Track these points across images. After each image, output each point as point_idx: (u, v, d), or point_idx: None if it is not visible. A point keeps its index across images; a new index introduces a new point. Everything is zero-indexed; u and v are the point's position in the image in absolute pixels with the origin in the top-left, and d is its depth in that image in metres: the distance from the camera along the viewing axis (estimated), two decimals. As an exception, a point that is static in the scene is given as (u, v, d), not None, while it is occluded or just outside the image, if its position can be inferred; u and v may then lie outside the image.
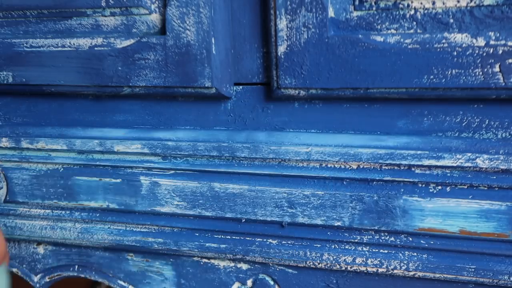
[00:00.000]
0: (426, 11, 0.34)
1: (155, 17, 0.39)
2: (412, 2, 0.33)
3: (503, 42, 0.31)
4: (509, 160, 0.35)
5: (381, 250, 0.40)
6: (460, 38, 0.32)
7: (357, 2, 0.34)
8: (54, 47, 0.40)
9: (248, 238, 0.42)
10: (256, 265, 0.44)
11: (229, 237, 0.43)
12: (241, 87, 0.41)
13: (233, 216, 0.42)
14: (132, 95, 0.42)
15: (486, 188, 0.36)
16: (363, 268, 0.40)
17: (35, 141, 0.45)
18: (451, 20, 0.33)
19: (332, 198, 0.39)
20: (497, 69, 0.32)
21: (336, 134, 0.39)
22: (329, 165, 0.39)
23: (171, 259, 0.46)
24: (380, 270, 0.40)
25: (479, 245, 0.37)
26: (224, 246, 0.43)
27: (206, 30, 0.36)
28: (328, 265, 0.41)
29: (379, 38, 0.34)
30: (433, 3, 0.33)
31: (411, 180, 0.37)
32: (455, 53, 0.32)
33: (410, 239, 0.39)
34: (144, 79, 0.39)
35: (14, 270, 0.52)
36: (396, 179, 0.37)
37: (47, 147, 0.45)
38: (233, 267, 0.45)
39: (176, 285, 0.47)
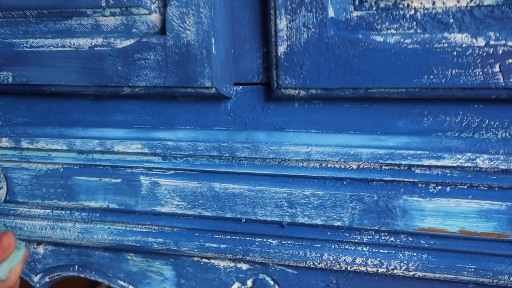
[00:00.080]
0: (426, 11, 0.34)
1: (155, 17, 0.39)
2: (412, 2, 0.33)
3: (503, 42, 0.31)
4: (509, 160, 0.35)
5: (381, 250, 0.40)
6: (460, 38, 0.32)
7: (357, 2, 0.34)
8: (54, 47, 0.40)
9: (248, 238, 0.42)
10: (256, 265, 0.44)
11: (229, 237, 0.43)
12: (241, 87, 0.41)
13: (233, 216, 0.42)
14: (132, 95, 0.42)
15: (486, 188, 0.36)
16: (363, 268, 0.40)
17: (35, 141, 0.45)
18: (451, 20, 0.33)
19: (332, 198, 0.39)
20: (497, 69, 0.32)
21: (336, 134, 0.39)
22: (329, 165, 0.39)
23: (171, 259, 0.46)
24: (380, 270, 0.40)
25: (479, 245, 0.37)
26: (224, 246, 0.43)
27: (206, 30, 0.36)
28: (328, 265, 0.41)
29: (379, 38, 0.34)
30: (433, 3, 0.33)
31: (411, 180, 0.37)
32: (455, 53, 0.32)
33: (410, 239, 0.39)
34: (144, 79, 0.39)
35: (14, 270, 0.51)
36: (396, 179, 0.37)
37: (47, 147, 0.45)
38: (233, 267, 0.45)
39: (176, 285, 0.47)
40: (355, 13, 0.35)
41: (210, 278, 0.46)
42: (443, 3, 0.33)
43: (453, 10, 0.33)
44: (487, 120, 0.36)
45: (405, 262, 0.39)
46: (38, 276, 0.51)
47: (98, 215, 0.46)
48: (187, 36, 0.37)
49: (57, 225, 0.47)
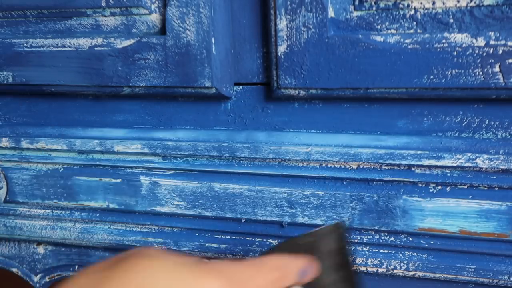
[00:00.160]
0: (426, 11, 0.34)
1: (155, 17, 0.39)
2: (412, 2, 0.33)
3: (503, 42, 0.31)
4: (509, 160, 0.35)
5: (381, 250, 0.40)
6: (460, 38, 0.32)
7: (357, 2, 0.34)
8: (54, 47, 0.40)
9: (248, 238, 0.42)
10: (256, 265, 0.44)
11: (229, 237, 0.43)
12: (241, 87, 0.41)
13: (233, 216, 0.42)
14: (132, 95, 0.42)
15: (486, 188, 0.36)
16: (363, 268, 0.40)
17: (35, 141, 0.45)
18: (451, 20, 0.33)
19: (332, 198, 0.39)
20: (497, 69, 0.32)
21: (336, 134, 0.39)
22: (329, 165, 0.39)
23: (171, 259, 0.46)
24: (380, 270, 0.40)
25: (479, 245, 0.37)
26: (224, 246, 0.43)
27: (206, 30, 0.36)
28: (328, 265, 0.41)
29: (379, 38, 0.34)
30: (433, 3, 0.33)
31: (411, 180, 0.37)
32: (455, 53, 0.32)
33: (410, 239, 0.39)
34: (144, 79, 0.39)
35: (14, 270, 0.52)
36: (396, 179, 0.37)
37: (47, 147, 0.45)
38: (233, 267, 0.45)
39: (176, 285, 0.47)
40: (355, 13, 0.35)
41: (210, 278, 0.45)
42: (443, 3, 0.33)
43: (453, 10, 0.33)
44: (487, 120, 0.36)
45: (405, 262, 0.39)
46: (38, 276, 0.51)
47: (98, 215, 0.46)
48: (187, 36, 0.37)
49: (57, 225, 0.47)
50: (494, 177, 0.35)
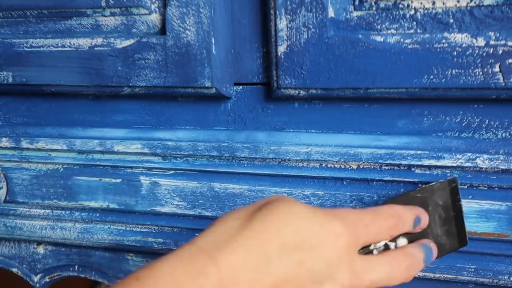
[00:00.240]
0: (426, 11, 0.34)
1: (155, 17, 0.39)
2: (412, 2, 0.33)
3: (503, 42, 0.31)
4: (509, 160, 0.35)
5: (381, 250, 0.40)
6: (460, 38, 0.32)
7: (357, 2, 0.34)
8: (54, 47, 0.40)
9: (248, 238, 0.42)
10: (256, 265, 0.44)
11: (229, 237, 0.43)
12: (241, 87, 0.41)
13: (233, 216, 0.42)
14: (132, 95, 0.42)
15: (486, 188, 0.36)
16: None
17: (35, 141, 0.45)
18: (451, 20, 0.33)
19: (332, 198, 0.39)
20: (497, 69, 0.32)
21: (336, 134, 0.39)
22: (329, 165, 0.39)
23: (171, 259, 0.46)
24: (380, 270, 0.40)
25: (479, 245, 0.37)
26: (224, 246, 0.43)
27: (206, 30, 0.36)
28: (328, 265, 0.41)
29: (379, 38, 0.34)
30: (433, 3, 0.33)
31: (411, 180, 0.37)
32: (455, 53, 0.32)
33: (410, 239, 0.39)
34: (144, 79, 0.39)
35: (14, 270, 0.52)
36: (396, 179, 0.37)
37: (47, 147, 0.45)
38: (233, 267, 0.45)
39: (176, 285, 0.47)
40: (355, 13, 0.35)
41: (210, 278, 0.45)
42: (443, 3, 0.33)
43: (453, 10, 0.33)
44: (487, 120, 0.36)
45: (405, 262, 0.39)
46: (38, 276, 0.51)
47: (98, 215, 0.46)
48: (187, 36, 0.37)
49: (57, 225, 0.47)
50: (494, 177, 0.35)
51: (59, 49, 0.40)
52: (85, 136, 0.44)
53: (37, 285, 0.51)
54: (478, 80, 0.32)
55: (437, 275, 0.38)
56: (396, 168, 0.37)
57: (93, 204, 0.46)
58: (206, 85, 0.37)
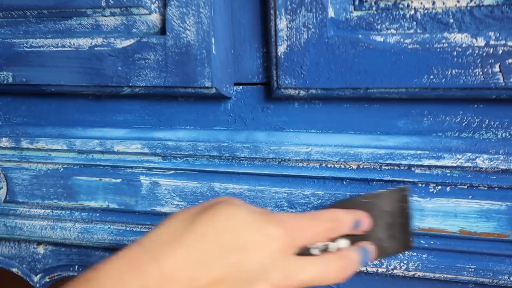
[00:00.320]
0: (426, 11, 0.34)
1: (155, 17, 0.39)
2: (412, 2, 0.33)
3: (503, 42, 0.31)
4: (509, 160, 0.35)
5: (381, 250, 0.40)
6: (460, 38, 0.32)
7: (357, 2, 0.34)
8: (54, 47, 0.40)
9: (248, 238, 0.42)
10: (256, 265, 0.44)
11: (229, 237, 0.43)
12: (241, 87, 0.41)
13: (233, 216, 0.42)
14: (132, 95, 0.42)
15: (486, 188, 0.36)
16: (363, 268, 0.40)
17: (35, 141, 0.45)
18: (451, 20, 0.33)
19: (332, 198, 0.39)
20: (497, 69, 0.32)
21: (336, 134, 0.39)
22: (329, 165, 0.39)
23: (171, 259, 0.46)
24: (380, 270, 0.40)
25: (479, 245, 0.37)
26: (224, 246, 0.43)
27: (206, 30, 0.36)
28: (328, 265, 0.41)
29: (379, 38, 0.34)
30: (433, 3, 0.33)
31: (411, 180, 0.37)
32: (455, 53, 0.32)
33: (410, 239, 0.39)
34: (144, 79, 0.39)
35: (14, 270, 0.52)
36: (396, 179, 0.37)
37: (47, 147, 0.45)
38: (233, 267, 0.45)
39: (176, 285, 0.47)
40: (355, 13, 0.35)
41: (210, 278, 0.45)
42: (443, 3, 0.33)
43: (453, 10, 0.33)
44: (487, 120, 0.36)
45: (405, 262, 0.39)
46: (38, 276, 0.51)
47: (98, 215, 0.46)
48: (187, 36, 0.37)
49: (57, 225, 0.47)
50: (494, 177, 0.35)
51: (59, 49, 0.40)
52: (85, 136, 0.44)
53: (37, 285, 0.51)
54: (478, 80, 0.32)
55: (437, 275, 0.38)
56: (396, 168, 0.37)
57: (93, 204, 0.46)
58: (206, 85, 0.37)
